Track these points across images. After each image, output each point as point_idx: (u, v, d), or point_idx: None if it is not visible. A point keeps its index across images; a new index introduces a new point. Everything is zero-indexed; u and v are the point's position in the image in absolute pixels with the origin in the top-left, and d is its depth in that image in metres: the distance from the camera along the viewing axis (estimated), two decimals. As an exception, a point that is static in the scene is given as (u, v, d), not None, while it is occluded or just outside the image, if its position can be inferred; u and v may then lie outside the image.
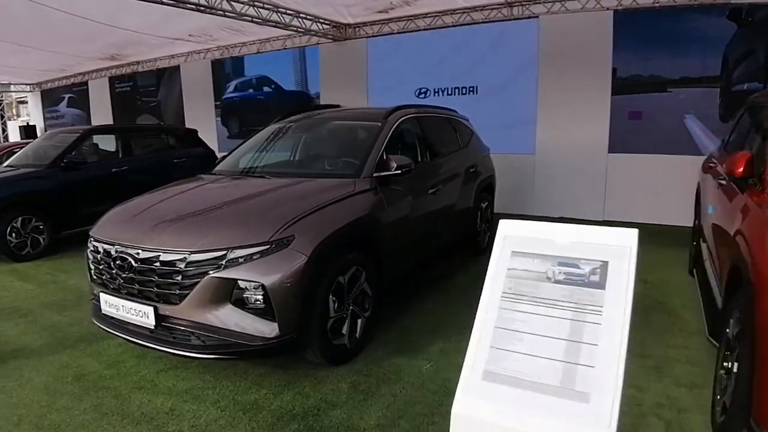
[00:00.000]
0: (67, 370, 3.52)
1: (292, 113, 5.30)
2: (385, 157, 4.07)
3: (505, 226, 1.42)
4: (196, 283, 2.96)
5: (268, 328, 2.98)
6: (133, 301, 3.16)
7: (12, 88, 15.94)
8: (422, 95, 9.05)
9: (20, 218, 6.35)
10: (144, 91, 12.98)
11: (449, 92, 8.84)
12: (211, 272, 2.96)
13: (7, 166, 7.23)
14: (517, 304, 1.23)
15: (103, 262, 3.34)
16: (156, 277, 3.06)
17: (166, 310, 3.05)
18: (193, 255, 2.98)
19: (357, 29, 9.65)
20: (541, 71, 7.95)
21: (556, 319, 1.16)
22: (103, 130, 7.78)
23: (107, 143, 7.66)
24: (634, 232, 1.30)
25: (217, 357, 3.09)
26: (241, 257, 2.98)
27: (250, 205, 3.51)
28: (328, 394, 3.09)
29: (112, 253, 3.25)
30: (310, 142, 4.89)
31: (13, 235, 6.29)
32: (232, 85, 11.42)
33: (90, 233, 3.59)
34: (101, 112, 13.78)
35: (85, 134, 7.32)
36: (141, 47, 10.98)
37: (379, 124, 4.39)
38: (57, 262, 6.39)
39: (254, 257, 2.98)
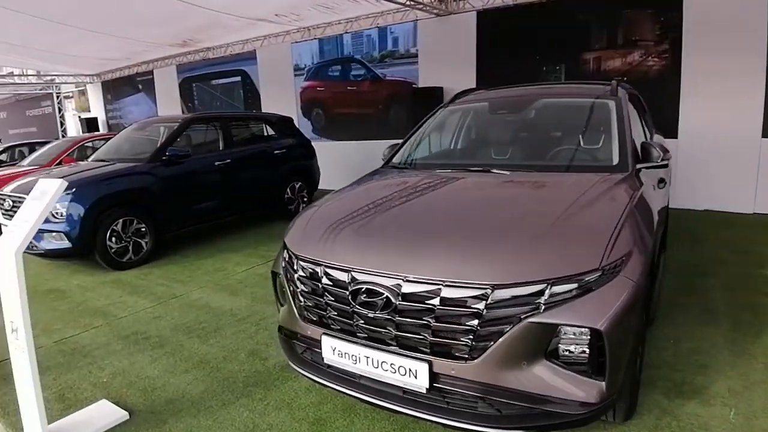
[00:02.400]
0: (259, 435, 2.56)
1: (462, 94, 4.32)
2: (643, 145, 3.09)
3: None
4: (501, 330, 1.95)
5: (591, 390, 1.98)
6: (387, 351, 2.16)
7: (69, 79, 15.38)
8: (551, 75, 7.85)
9: (121, 220, 5.48)
10: (217, 78, 12.12)
11: (575, 72, 7.68)
12: (525, 316, 1.94)
13: (97, 161, 6.39)
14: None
15: (326, 293, 2.35)
16: (433, 321, 2.05)
17: (445, 367, 2.05)
18: (498, 291, 1.96)
19: (462, 2, 8.54)
20: (686, 48, 6.79)
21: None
22: (204, 118, 6.87)
23: (207, 134, 6.76)
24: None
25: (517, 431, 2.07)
26: (563, 292, 1.96)
27: (528, 212, 2.48)
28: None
29: (347, 282, 2.26)
30: (529, 127, 3.83)
31: (113, 239, 5.43)
32: (314, 69, 10.42)
33: (291, 249, 2.61)
34: (168, 103, 13.04)
35: (186, 123, 6.42)
36: (217, 30, 10.12)
37: (612, 102, 3.38)
38: (165, 270, 5.51)
39: (579, 291, 1.96)
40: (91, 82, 14.98)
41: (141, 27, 9.63)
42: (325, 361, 2.40)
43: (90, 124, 14.06)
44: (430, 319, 2.05)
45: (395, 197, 2.92)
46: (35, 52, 11.64)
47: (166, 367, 3.34)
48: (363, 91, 9.87)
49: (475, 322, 1.97)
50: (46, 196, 2.40)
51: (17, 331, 2.40)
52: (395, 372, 2.13)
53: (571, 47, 7.69)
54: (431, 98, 8.68)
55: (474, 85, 8.59)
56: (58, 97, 15.98)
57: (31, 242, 5.38)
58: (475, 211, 2.55)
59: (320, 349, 2.39)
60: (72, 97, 16.28)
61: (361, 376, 2.27)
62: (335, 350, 2.34)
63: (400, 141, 4.02)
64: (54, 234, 5.19)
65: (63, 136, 15.92)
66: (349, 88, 10.02)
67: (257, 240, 6.58)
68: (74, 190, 5.20)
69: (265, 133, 7.51)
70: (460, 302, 2.00)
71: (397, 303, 2.10)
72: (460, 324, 2.00)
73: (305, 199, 7.89)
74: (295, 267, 2.54)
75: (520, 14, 8.00)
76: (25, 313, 2.36)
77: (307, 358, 2.58)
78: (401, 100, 9.34)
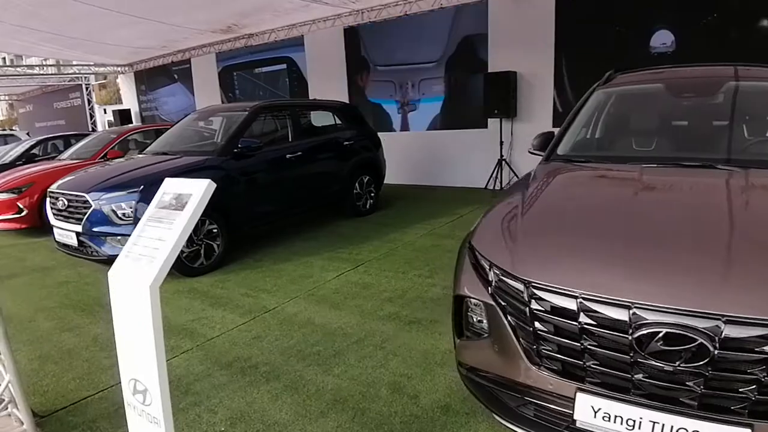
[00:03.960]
0: None
1: (614, 75, 3.63)
2: None
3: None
4: None
5: None
6: (684, 415, 1.51)
7: (100, 69, 14.81)
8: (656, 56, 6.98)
9: (193, 220, 4.82)
10: (261, 67, 11.43)
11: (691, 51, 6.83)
12: None
13: (157, 154, 5.74)
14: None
15: (586, 335, 1.68)
16: (765, 375, 1.37)
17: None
18: None
19: (541, -23, 7.76)
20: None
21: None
22: (273, 106, 6.18)
23: (276, 123, 6.09)
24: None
25: None
26: None
27: None
28: None
29: (628, 322, 1.58)
30: (733, 114, 3.07)
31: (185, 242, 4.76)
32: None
33: (516, 273, 1.92)
34: (207, 93, 12.41)
35: (256, 112, 5.74)
36: (266, 14, 9.44)
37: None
38: (243, 277, 4.86)
39: None
40: (123, 73, 14.39)
41: (184, 12, 8.98)
42: (578, 425, 1.72)
43: (122, 117, 13.49)
44: (759, 372, 1.36)
45: (621, 202, 2.22)
46: (68, 41, 11.07)
47: (296, 409, 2.67)
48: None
49: None
50: (189, 202, 1.72)
51: (146, 394, 1.73)
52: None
53: (687, 18, 6.80)
54: (505, 84, 7.94)
55: (552, 70, 7.84)
56: (87, 88, 15.43)
57: (89, 246, 4.78)
58: (748, 220, 1.86)
59: (565, 406, 1.72)
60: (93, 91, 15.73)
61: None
62: (599, 412, 1.66)
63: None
64: (119, 237, 4.56)
65: (93, 129, 15.41)
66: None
67: (331, 241, 5.91)
68: (142, 187, 4.56)
69: (333, 123, 6.82)
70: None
71: (715, 352, 1.41)
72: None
73: (372, 195, 7.20)
74: (524, 297, 1.84)
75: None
76: (162, 369, 1.69)
77: (530, 415, 1.90)
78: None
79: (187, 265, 4.84)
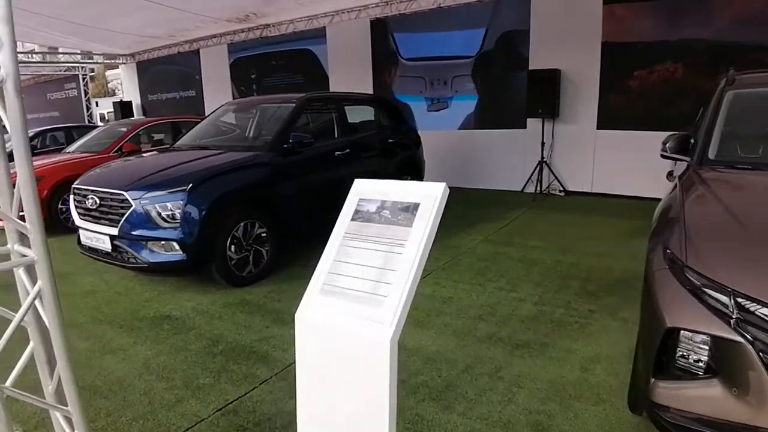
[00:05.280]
0: None
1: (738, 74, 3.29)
2: None
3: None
4: None
5: None
6: None
7: (100, 58, 14.04)
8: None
9: (242, 224, 4.31)
10: (278, 59, 10.85)
11: None
12: None
13: (194, 148, 5.19)
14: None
15: None
16: None
17: None
18: None
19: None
20: None
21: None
22: (319, 98, 5.65)
23: (321, 117, 5.57)
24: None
25: None
26: None
27: None
28: None
29: None
30: None
31: (233, 248, 4.24)
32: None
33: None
34: (216, 86, 11.80)
35: (304, 104, 5.22)
36: (289, 3, 8.89)
37: None
38: (297, 287, 4.24)
39: None
40: (124, 63, 13.65)
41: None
42: None
43: (124, 109, 12.77)
44: None
45: None
46: (70, 27, 10.36)
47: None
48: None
49: None
50: (419, 213, 1.23)
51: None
52: None
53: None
54: (549, 82, 7.52)
55: (598, 68, 7.44)
56: (84, 79, 14.64)
57: (125, 251, 4.20)
58: None
59: None
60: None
61: None
62: None
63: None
64: (162, 243, 4.01)
65: (89, 121, 14.64)
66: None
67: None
68: (190, 185, 4.01)
69: (377, 118, 6.32)
70: None
71: None
72: None
73: (413, 197, 6.70)
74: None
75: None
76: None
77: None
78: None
79: (235, 274, 4.31)
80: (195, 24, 10.35)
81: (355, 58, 9.58)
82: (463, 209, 7.17)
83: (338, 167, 5.27)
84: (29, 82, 16.47)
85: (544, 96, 7.54)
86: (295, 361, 3.05)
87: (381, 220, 1.29)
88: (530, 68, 7.80)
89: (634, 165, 7.08)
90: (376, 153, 5.94)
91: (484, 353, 3.13)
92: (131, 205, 4.00)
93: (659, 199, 2.83)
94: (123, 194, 4.04)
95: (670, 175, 4.06)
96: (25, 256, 1.65)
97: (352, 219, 1.34)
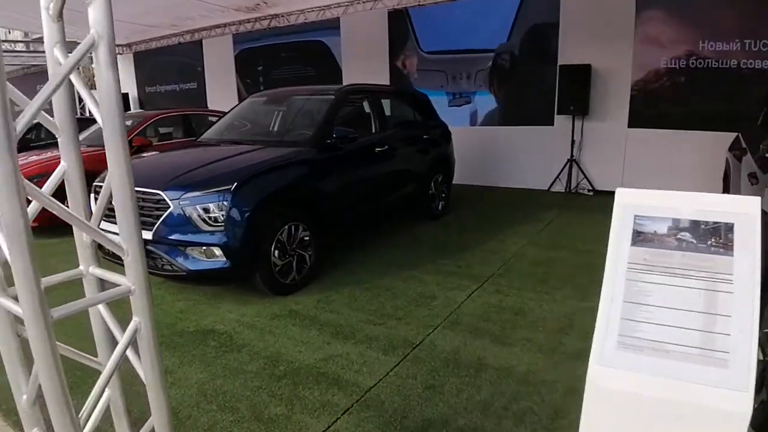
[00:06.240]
0: None
1: None
2: None
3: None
4: None
5: None
6: None
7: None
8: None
9: (286, 227, 3.94)
10: (288, 51, 10.40)
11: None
12: None
13: (223, 143, 4.79)
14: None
15: None
16: None
17: None
18: None
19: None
20: None
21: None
22: (357, 90, 5.26)
23: (359, 111, 5.22)
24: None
25: None
26: None
27: None
28: None
29: None
30: None
31: (277, 253, 3.87)
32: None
33: None
34: (220, 78, 11.31)
35: (344, 95, 4.85)
36: (304, -9, 8.48)
37: None
38: (348, 297, 3.98)
39: None
40: (120, 53, 13.02)
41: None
42: None
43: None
44: None
45: None
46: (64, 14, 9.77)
47: None
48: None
49: None
50: (739, 238, 0.89)
51: None
52: None
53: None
54: (582, 78, 7.24)
55: (630, 65, 7.17)
56: (79, 69, 13.92)
57: (160, 257, 3.75)
58: None
59: None
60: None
61: None
62: None
63: None
64: (204, 249, 3.62)
65: (81, 114, 13.97)
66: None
67: (420, 249, 5.08)
68: (235, 185, 3.63)
69: (411, 113, 5.98)
70: None
71: None
72: None
73: (444, 196, 6.39)
74: None
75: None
76: None
77: None
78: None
79: (279, 282, 3.94)
80: (201, 13, 9.85)
81: (371, 50, 9.20)
82: (493, 209, 6.88)
83: (378, 165, 4.94)
84: (18, 74, 15.73)
85: (575, 92, 7.26)
86: (375, 385, 2.73)
87: (683, 246, 0.96)
88: (560, 63, 7.50)
89: (667, 165, 6.85)
90: (414, 149, 5.61)
91: (581, 372, 2.81)
92: (169, 206, 3.60)
93: None
94: (160, 194, 3.63)
95: (752, 176, 3.78)
96: (108, 281, 1.29)
97: (633, 244, 1.00)
